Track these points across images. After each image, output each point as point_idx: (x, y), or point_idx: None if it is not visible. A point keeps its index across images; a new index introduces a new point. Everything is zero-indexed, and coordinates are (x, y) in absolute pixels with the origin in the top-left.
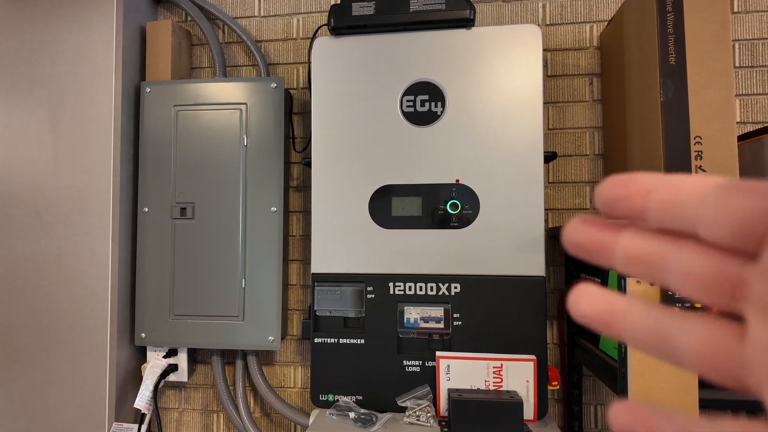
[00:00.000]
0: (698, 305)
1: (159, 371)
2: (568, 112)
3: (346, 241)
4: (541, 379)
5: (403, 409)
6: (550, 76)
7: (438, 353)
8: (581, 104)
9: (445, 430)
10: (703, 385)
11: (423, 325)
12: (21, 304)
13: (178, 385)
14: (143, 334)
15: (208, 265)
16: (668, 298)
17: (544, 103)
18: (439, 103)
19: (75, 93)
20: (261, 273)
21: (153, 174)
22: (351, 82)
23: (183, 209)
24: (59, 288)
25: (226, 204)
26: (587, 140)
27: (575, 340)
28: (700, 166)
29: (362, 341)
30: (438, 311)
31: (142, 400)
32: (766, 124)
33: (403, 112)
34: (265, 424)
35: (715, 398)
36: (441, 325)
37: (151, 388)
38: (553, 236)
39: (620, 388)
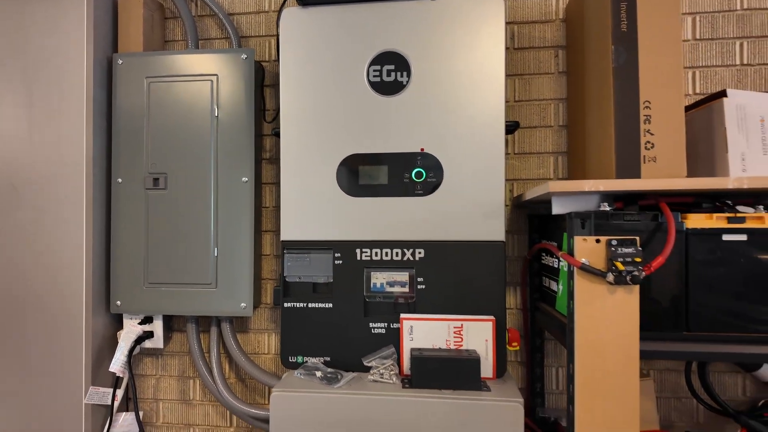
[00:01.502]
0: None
1: (134, 336)
2: (534, 84)
3: (314, 209)
4: (500, 339)
5: (368, 369)
6: (516, 48)
7: (402, 315)
8: (547, 76)
9: (407, 386)
10: (644, 337)
11: (389, 289)
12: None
13: (154, 353)
14: (118, 302)
15: (181, 235)
16: (613, 254)
17: (511, 75)
18: (405, 73)
19: (47, 66)
20: (233, 242)
21: (126, 145)
22: (319, 53)
23: (156, 180)
24: (35, 258)
25: (198, 174)
26: (552, 112)
27: (537, 305)
28: (649, 129)
29: (330, 305)
30: (403, 276)
31: (116, 364)
32: None
33: (369, 81)
34: (240, 389)
35: (655, 350)
36: (406, 289)
37: (126, 352)
38: (517, 205)
39: (568, 342)
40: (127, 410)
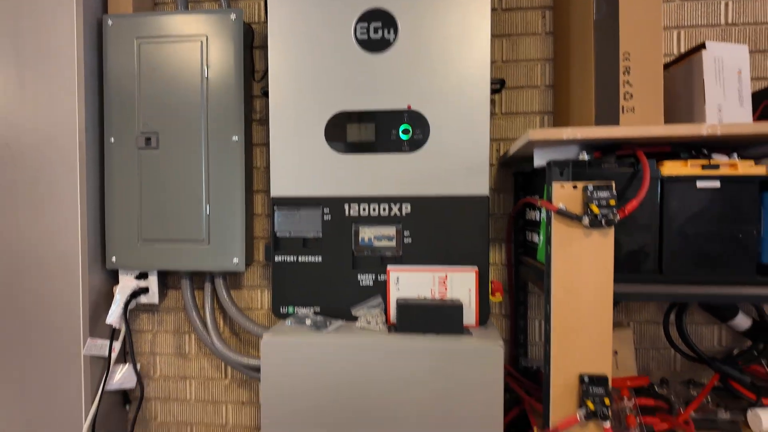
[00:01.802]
0: None
1: (129, 291)
2: (521, 45)
3: (303, 166)
4: (483, 288)
5: (356, 319)
6: (504, 9)
7: (389, 266)
8: (534, 37)
9: (392, 331)
10: (619, 280)
11: (376, 243)
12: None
13: (150, 309)
14: (114, 258)
15: (173, 193)
16: (589, 198)
17: (498, 35)
18: (392, 30)
19: (37, 27)
20: (225, 199)
21: (118, 105)
22: (307, 10)
23: (148, 139)
24: (31, 216)
25: (189, 134)
26: (539, 72)
27: (521, 259)
28: (628, 81)
29: (320, 259)
30: (390, 230)
31: (113, 316)
32: None
33: (357, 39)
34: (234, 342)
35: (629, 292)
36: (393, 244)
37: (122, 305)
38: (503, 164)
39: (545, 285)
40: (125, 363)
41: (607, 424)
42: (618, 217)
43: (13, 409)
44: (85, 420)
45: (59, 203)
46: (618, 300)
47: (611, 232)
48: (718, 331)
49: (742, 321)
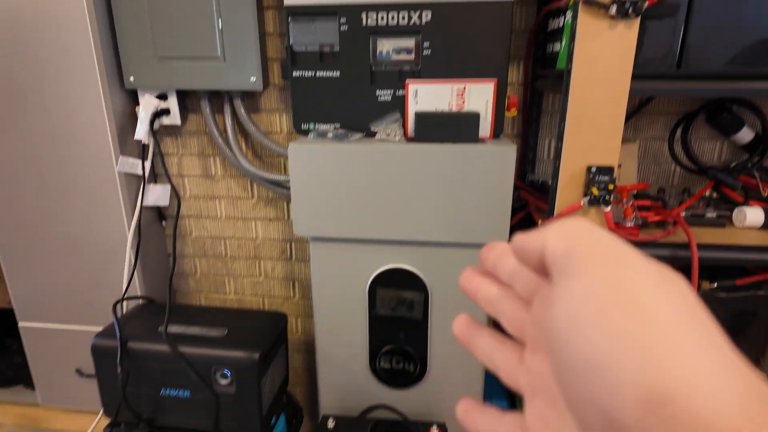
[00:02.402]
0: None
1: (152, 108)
2: None
3: None
4: (500, 100)
5: (375, 134)
6: None
7: (408, 80)
8: None
9: (411, 142)
10: (637, 76)
11: (395, 57)
12: (16, 57)
13: (173, 132)
14: (132, 78)
15: (183, 6)
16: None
17: None
18: None
19: None
20: (236, 13)
21: None
22: None
23: None
24: (45, 43)
25: None
26: None
27: (538, 74)
28: None
29: (338, 74)
30: (409, 42)
31: (140, 133)
32: None
33: None
34: (257, 165)
35: (647, 87)
36: (411, 57)
37: (148, 122)
38: None
39: (564, 85)
40: (155, 183)
41: (608, 209)
42: (646, 4)
43: (63, 227)
44: (129, 231)
45: (70, 24)
46: (634, 95)
47: (636, 23)
48: (720, 146)
49: (746, 134)
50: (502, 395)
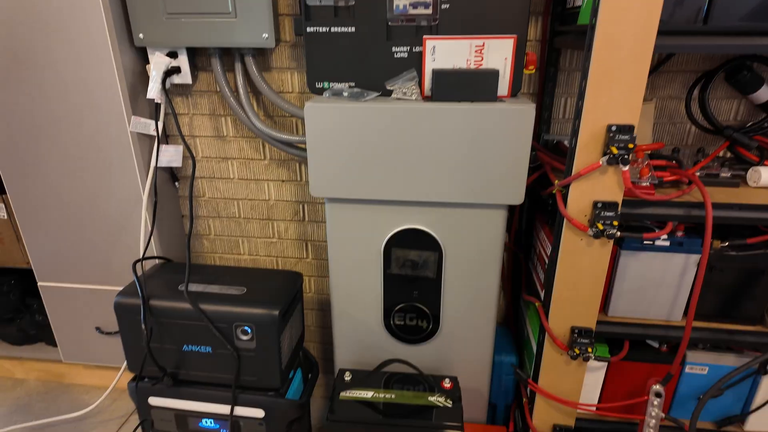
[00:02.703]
0: None
1: (163, 67)
2: None
3: None
4: (519, 57)
5: (391, 92)
6: None
7: (425, 36)
8: None
9: (428, 100)
10: (662, 32)
11: (411, 11)
12: (23, 15)
13: (184, 91)
14: (141, 35)
15: None
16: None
17: None
18: None
19: None
20: None
21: None
22: None
23: None
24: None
25: None
26: None
27: (557, 30)
28: None
29: (353, 29)
30: None
31: (152, 92)
32: None
33: None
34: (269, 125)
35: (673, 44)
36: (429, 11)
37: (159, 80)
38: None
39: (587, 41)
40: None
41: (626, 168)
42: None
43: (77, 188)
44: (144, 192)
45: None
46: (659, 51)
47: None
48: (737, 105)
49: (764, 93)
50: (511, 351)
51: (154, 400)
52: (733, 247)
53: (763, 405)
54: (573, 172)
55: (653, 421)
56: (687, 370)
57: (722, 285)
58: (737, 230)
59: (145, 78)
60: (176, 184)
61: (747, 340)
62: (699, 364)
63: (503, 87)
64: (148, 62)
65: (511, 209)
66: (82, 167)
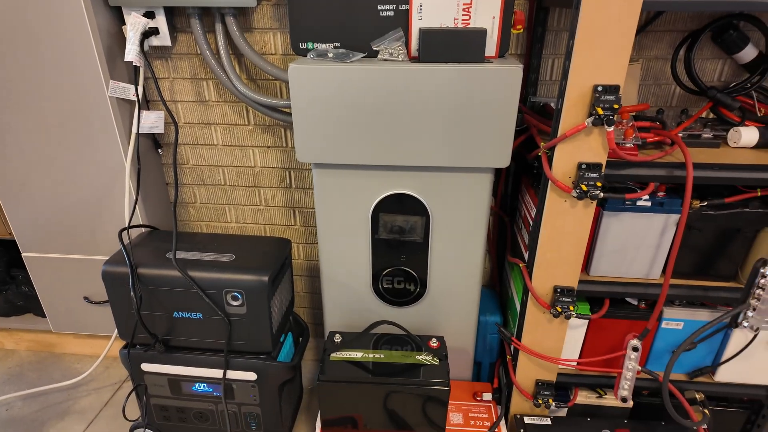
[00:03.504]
0: None
1: (140, 27)
2: None
3: None
4: (507, 16)
5: (377, 53)
6: None
7: None
8: None
9: (415, 60)
10: None
11: None
12: None
13: (164, 54)
14: None
15: None
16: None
17: None
18: None
19: None
20: None
21: None
22: None
23: None
24: None
25: None
26: None
27: None
28: None
29: None
30: None
31: (130, 54)
32: None
33: None
34: (253, 89)
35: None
36: None
37: (137, 42)
38: None
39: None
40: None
41: (611, 129)
42: None
43: (57, 156)
44: (126, 159)
45: None
46: (648, 9)
47: None
48: (722, 66)
49: (749, 52)
50: (495, 311)
51: (146, 366)
52: (711, 206)
53: (733, 356)
54: (558, 134)
55: (630, 373)
56: (663, 325)
57: (700, 243)
58: (716, 190)
59: (122, 40)
60: (159, 151)
61: (721, 295)
62: (675, 320)
63: (491, 47)
64: (124, 23)
65: (498, 173)
66: (61, 135)
